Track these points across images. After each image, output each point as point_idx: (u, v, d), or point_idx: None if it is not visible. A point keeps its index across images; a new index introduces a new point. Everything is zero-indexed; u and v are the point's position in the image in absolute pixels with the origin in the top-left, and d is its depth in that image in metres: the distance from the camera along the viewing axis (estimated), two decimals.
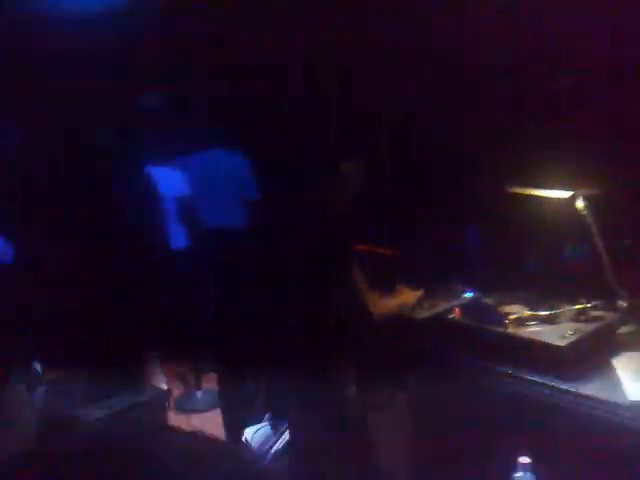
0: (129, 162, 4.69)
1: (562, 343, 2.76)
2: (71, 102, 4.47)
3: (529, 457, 2.24)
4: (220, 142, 4.88)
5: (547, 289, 3.29)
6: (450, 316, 3.17)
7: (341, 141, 3.28)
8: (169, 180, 4.83)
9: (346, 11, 3.92)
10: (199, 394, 5.10)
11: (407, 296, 3.24)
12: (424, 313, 3.24)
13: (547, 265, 3.40)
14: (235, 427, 4.09)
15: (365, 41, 3.95)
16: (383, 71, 3.92)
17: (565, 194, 3.15)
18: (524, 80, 3.56)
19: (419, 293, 3.32)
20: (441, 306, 3.29)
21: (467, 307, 3.20)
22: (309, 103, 4.27)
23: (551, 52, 3.50)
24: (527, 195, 3.26)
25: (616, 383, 2.66)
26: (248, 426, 3.88)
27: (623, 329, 3.03)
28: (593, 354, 2.84)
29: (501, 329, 2.94)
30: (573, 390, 2.66)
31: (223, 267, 4.80)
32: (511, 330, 2.93)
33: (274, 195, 4.66)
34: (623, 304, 3.05)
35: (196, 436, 4.51)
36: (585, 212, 3.08)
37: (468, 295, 3.42)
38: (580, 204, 3.10)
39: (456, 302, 3.30)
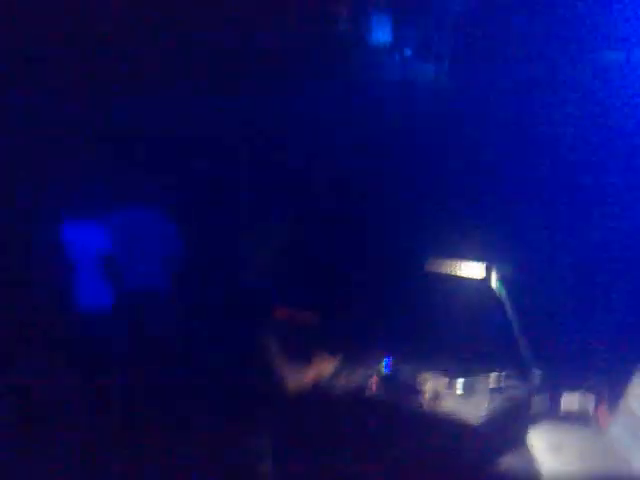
0: (48, 218, 4.55)
1: (477, 419, 2.75)
2: None
3: None
4: (143, 201, 4.79)
5: (464, 360, 3.28)
6: (368, 386, 3.11)
7: (262, 205, 3.22)
8: (90, 237, 4.68)
9: None
10: None
11: (324, 366, 3.17)
12: (342, 383, 3.16)
13: (463, 335, 3.41)
14: None
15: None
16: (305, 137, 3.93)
17: (479, 269, 3.18)
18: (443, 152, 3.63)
19: (336, 362, 3.25)
20: (359, 375, 3.23)
21: (384, 378, 3.15)
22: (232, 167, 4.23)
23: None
24: (444, 269, 3.28)
25: (531, 458, 2.66)
26: None
27: (536, 399, 3.04)
28: (509, 427, 2.84)
29: (417, 403, 2.90)
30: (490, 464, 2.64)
31: (141, 329, 4.63)
32: (428, 404, 2.90)
33: (193, 257, 4.57)
34: (536, 374, 3.07)
35: None
36: (499, 287, 3.12)
37: (386, 364, 3.37)
38: (494, 278, 3.14)
39: (373, 371, 3.25)
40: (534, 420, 2.93)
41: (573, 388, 3.02)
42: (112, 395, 4.33)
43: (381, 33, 3.85)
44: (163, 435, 3.97)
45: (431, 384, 3.04)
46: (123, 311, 4.69)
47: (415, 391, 2.97)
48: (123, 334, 4.62)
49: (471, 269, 3.19)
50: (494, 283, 3.09)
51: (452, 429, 2.77)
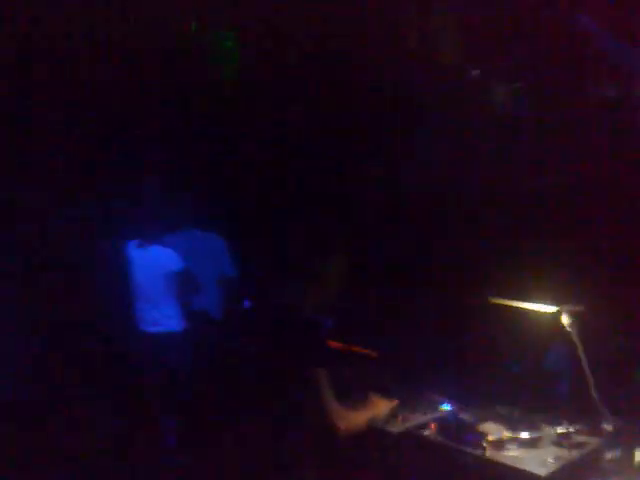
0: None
1: (542, 472, 2.56)
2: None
3: None
4: (203, 223, 4.80)
5: (529, 407, 3.10)
6: (424, 432, 2.96)
7: (319, 241, 3.10)
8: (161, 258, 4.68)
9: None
10: None
11: (379, 407, 3.00)
12: (397, 427, 3.02)
13: (530, 382, 3.22)
14: None
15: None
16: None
17: (550, 309, 3.01)
18: (514, 191, 3.47)
19: (393, 404, 3.09)
20: (416, 419, 3.09)
21: (443, 423, 2.99)
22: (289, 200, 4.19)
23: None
24: (512, 307, 3.13)
25: None
26: None
27: (608, 455, 2.83)
28: None
29: (479, 452, 2.74)
30: None
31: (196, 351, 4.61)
32: (489, 454, 2.73)
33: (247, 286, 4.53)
34: (608, 427, 2.86)
35: None
36: (570, 328, 2.93)
37: (445, 407, 3.22)
38: (565, 320, 2.95)
39: (432, 416, 3.11)
40: (604, 475, 2.73)
41: None
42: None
43: None
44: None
45: (494, 432, 2.86)
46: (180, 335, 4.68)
47: (476, 439, 2.80)
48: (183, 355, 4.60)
49: (540, 308, 3.02)
50: (565, 324, 2.91)
51: None
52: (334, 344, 3.95)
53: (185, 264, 4.61)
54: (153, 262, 4.59)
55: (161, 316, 4.60)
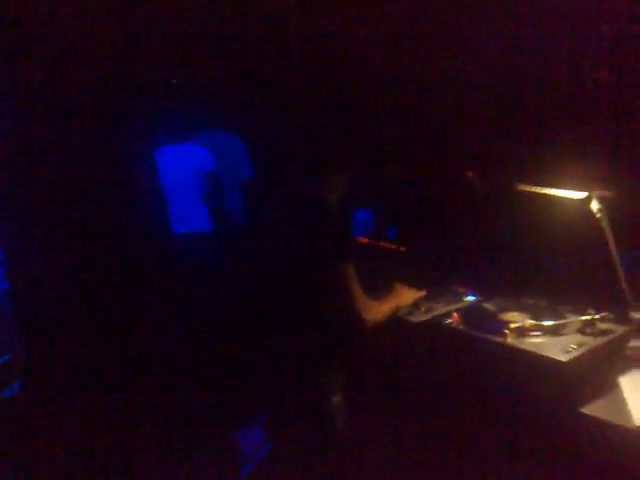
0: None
1: (564, 358, 2.53)
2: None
3: None
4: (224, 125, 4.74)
5: (554, 296, 3.06)
6: (447, 321, 2.96)
7: (345, 135, 3.01)
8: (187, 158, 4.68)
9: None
10: None
11: (404, 297, 3.03)
12: (420, 317, 3.03)
13: (555, 270, 3.16)
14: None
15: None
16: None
17: (579, 195, 2.92)
18: (542, 75, 3.30)
19: (418, 294, 3.11)
20: (439, 310, 3.09)
21: (466, 313, 2.98)
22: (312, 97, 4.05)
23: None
24: (538, 194, 3.04)
25: (622, 404, 2.45)
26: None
27: (633, 343, 2.80)
28: (599, 371, 2.63)
29: (500, 339, 2.72)
30: (574, 410, 2.46)
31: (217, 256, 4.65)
32: (510, 340, 2.71)
33: (272, 184, 4.49)
34: (635, 316, 2.82)
35: None
36: (599, 215, 2.85)
37: (469, 299, 3.21)
38: (595, 206, 2.87)
39: (455, 306, 3.10)
40: (628, 363, 2.71)
41: None
42: None
43: None
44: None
45: (517, 320, 2.84)
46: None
47: (498, 327, 2.78)
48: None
49: (568, 194, 2.94)
50: (594, 206, 2.82)
51: (537, 367, 2.59)
52: (362, 239, 3.96)
53: (213, 166, 4.61)
54: (183, 162, 4.60)
55: (189, 217, 4.64)
